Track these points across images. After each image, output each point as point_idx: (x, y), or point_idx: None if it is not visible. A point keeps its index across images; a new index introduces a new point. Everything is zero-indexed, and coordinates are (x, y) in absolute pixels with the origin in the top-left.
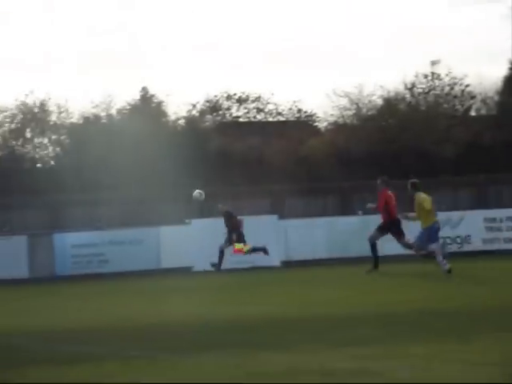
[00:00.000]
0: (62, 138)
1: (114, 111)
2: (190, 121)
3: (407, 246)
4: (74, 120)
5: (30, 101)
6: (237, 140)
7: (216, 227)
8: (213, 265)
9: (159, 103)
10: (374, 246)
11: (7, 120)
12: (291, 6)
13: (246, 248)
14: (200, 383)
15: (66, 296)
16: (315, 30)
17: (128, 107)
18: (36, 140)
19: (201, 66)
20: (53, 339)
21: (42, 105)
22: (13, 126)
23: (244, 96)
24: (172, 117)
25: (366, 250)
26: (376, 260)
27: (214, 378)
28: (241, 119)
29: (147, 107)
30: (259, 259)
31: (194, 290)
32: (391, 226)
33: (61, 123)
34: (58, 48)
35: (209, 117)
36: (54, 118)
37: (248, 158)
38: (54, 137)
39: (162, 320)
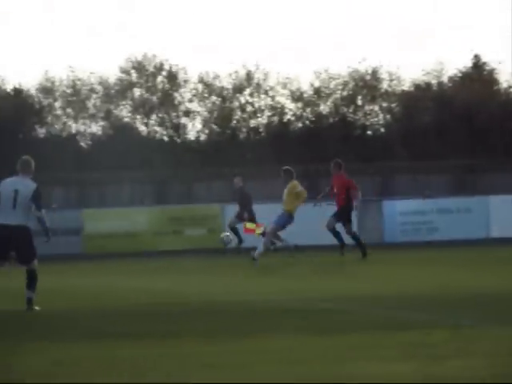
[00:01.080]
0: (393, 105)
1: (445, 78)
2: None
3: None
4: (404, 87)
5: (362, 68)
6: None
7: None
8: (239, 241)
9: (491, 71)
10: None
11: (339, 87)
12: None
13: (258, 230)
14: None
15: (394, 262)
16: None
17: (459, 75)
18: (367, 107)
19: None
20: (378, 304)
21: (374, 72)
22: (344, 93)
23: None
24: (504, 84)
25: None
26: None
27: None
28: None
29: (479, 75)
30: None
31: None
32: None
33: (392, 91)
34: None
35: None
36: (385, 85)
37: None
38: (384, 104)
39: (493, 290)
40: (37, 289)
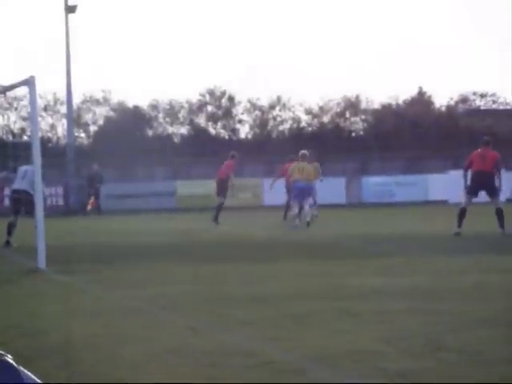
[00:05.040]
0: None
1: None
2: None
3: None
4: None
5: None
6: None
7: None
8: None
9: (429, 96)
10: None
11: None
12: None
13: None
14: None
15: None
16: None
17: None
18: None
19: None
20: (367, 240)
21: None
22: None
23: None
24: (437, 105)
25: None
26: None
27: None
28: None
29: None
30: None
31: None
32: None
33: None
34: None
35: None
36: None
37: None
38: None
39: (429, 233)
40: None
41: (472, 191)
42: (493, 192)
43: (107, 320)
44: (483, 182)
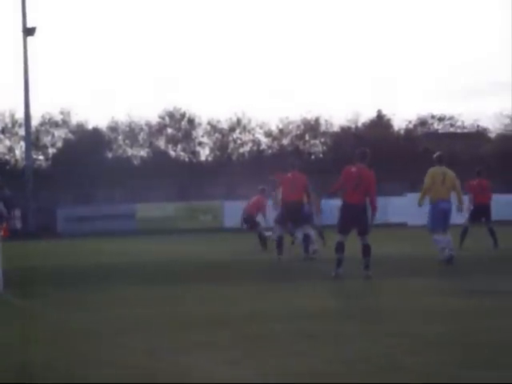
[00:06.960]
0: None
1: None
2: None
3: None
4: None
5: None
6: None
7: None
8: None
9: (388, 120)
10: None
11: None
12: None
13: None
14: None
15: None
16: None
17: None
18: None
19: None
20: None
21: None
22: None
23: None
24: (396, 128)
25: None
26: None
27: None
28: None
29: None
30: None
31: None
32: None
33: None
34: None
35: None
36: None
37: None
38: None
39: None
40: None
41: (284, 221)
42: (304, 221)
43: (64, 343)
44: (294, 211)
